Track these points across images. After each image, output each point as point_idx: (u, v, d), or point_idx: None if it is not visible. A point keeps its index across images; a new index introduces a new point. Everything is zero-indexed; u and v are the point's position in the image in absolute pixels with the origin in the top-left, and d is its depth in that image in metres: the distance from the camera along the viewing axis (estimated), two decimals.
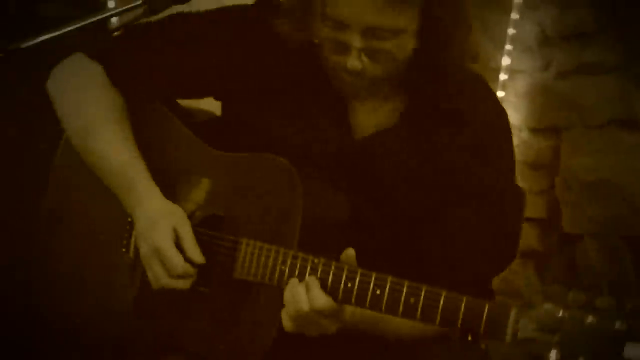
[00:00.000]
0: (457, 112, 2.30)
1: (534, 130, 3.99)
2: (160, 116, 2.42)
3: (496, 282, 2.40)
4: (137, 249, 2.32)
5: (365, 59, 2.18)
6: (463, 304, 1.99)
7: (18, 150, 3.31)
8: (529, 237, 3.94)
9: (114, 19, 2.43)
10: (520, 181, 3.93)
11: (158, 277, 2.24)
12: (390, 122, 2.33)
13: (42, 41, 2.22)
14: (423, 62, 2.24)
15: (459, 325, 1.99)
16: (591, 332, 1.82)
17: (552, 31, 3.91)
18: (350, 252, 2.11)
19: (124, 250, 2.39)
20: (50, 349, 2.53)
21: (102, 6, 3.84)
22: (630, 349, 1.77)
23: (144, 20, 2.35)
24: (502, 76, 3.93)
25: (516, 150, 3.88)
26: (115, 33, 2.46)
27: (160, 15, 2.31)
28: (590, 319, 1.82)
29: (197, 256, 2.23)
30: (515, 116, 3.95)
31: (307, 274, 2.11)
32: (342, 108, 2.33)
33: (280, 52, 2.31)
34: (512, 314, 1.92)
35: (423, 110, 2.30)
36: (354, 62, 2.17)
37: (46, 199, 2.54)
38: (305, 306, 2.08)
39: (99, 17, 2.26)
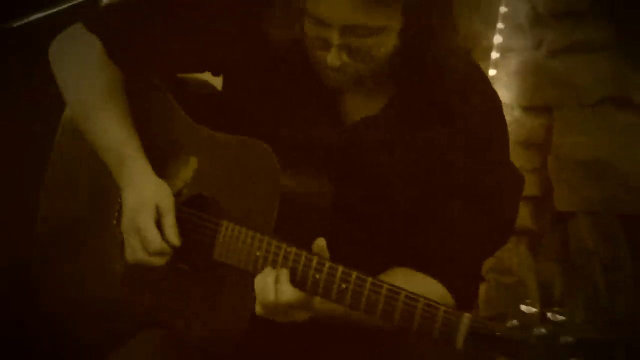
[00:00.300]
0: (445, 101, 2.28)
1: (526, 109, 3.99)
2: (155, 92, 2.43)
3: (489, 261, 2.40)
4: None
5: (344, 56, 2.17)
6: (420, 306, 1.99)
7: (13, 132, 3.27)
8: (521, 215, 3.92)
9: None
10: (513, 160, 3.96)
11: (134, 250, 2.25)
12: (377, 111, 2.33)
13: (34, 20, 2.22)
14: (408, 56, 2.22)
15: (414, 327, 1.99)
16: (538, 344, 1.85)
17: (543, 9, 3.91)
18: (320, 243, 2.10)
19: (115, 223, 2.40)
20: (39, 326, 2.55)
21: None
22: None
23: None
24: (494, 55, 3.93)
25: (508, 128, 3.95)
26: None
27: None
28: (538, 330, 1.86)
29: (174, 238, 2.24)
30: (507, 95, 3.96)
31: (280, 262, 2.12)
32: (331, 97, 2.33)
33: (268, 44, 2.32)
34: (464, 321, 1.94)
35: (409, 99, 2.30)
36: (333, 59, 2.17)
37: (46, 177, 2.56)
38: (271, 298, 2.08)
39: None
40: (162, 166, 2.34)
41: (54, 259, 2.52)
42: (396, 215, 2.29)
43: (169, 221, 2.25)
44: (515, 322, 1.88)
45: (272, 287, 2.08)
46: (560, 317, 1.85)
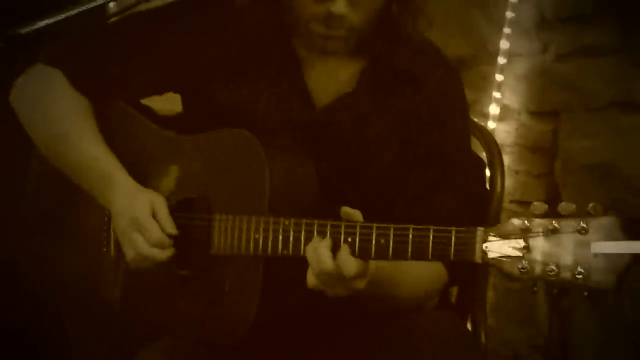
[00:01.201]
0: (413, 75, 2.37)
1: (533, 114, 3.99)
2: (122, 112, 2.45)
3: None
4: (117, 245, 2.35)
5: (348, 5, 2.22)
6: (431, 234, 2.03)
7: (19, 137, 3.28)
8: None
9: (112, 4, 2.43)
10: (520, 164, 3.96)
11: (135, 245, 2.26)
12: (350, 86, 2.37)
13: (41, 27, 2.23)
14: (386, 21, 2.30)
15: (430, 255, 2.03)
16: (557, 238, 1.89)
17: (550, 14, 3.91)
18: (347, 210, 2.13)
19: (104, 250, 2.40)
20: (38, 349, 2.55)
21: None
22: (596, 247, 1.86)
23: (142, 5, 2.37)
24: (501, 60, 3.92)
25: (515, 133, 3.96)
26: (113, 18, 2.47)
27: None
28: (553, 224, 1.89)
29: (170, 227, 2.26)
30: (514, 99, 3.96)
31: (280, 237, 2.14)
32: (299, 75, 2.36)
33: (235, 28, 2.37)
34: (478, 235, 1.98)
35: (381, 73, 2.37)
36: (340, 6, 2.21)
37: (26, 202, 2.56)
38: (329, 266, 2.09)
39: (98, 2, 2.28)
40: (142, 182, 2.35)
41: (38, 267, 2.53)
42: (377, 187, 2.35)
43: (164, 213, 2.26)
44: (527, 223, 1.90)
45: (329, 257, 2.09)
46: (570, 208, 1.89)
